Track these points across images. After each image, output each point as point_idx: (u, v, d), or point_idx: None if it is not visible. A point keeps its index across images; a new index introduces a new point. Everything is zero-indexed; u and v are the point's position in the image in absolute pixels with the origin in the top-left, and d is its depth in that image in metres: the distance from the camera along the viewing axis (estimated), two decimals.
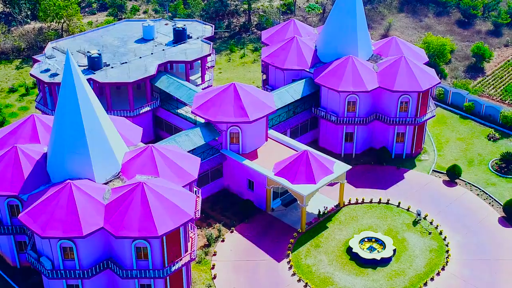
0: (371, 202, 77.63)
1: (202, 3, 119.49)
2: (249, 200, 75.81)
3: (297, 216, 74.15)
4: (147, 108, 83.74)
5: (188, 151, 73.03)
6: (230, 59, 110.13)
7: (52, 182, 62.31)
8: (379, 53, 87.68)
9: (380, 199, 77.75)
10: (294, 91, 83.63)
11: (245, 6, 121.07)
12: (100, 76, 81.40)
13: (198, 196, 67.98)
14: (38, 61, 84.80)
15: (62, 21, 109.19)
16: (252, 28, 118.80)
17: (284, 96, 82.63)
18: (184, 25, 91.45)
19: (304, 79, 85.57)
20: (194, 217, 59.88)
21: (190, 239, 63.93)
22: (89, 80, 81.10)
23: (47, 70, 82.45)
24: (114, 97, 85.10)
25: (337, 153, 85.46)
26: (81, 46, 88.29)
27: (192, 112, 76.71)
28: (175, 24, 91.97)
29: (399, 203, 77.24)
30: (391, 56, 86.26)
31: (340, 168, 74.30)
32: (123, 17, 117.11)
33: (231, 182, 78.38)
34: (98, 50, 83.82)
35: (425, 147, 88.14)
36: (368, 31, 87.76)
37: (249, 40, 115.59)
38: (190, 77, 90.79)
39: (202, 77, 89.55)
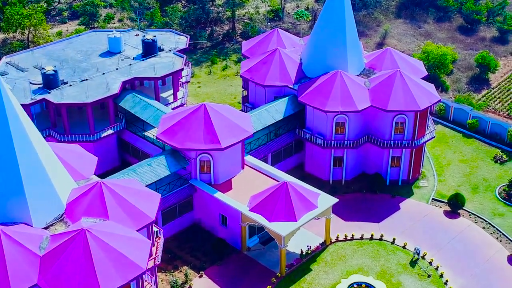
0: (361, 238, 68.10)
1: (182, 10, 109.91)
2: (222, 239, 66.37)
3: (277, 257, 64.50)
4: (110, 131, 74.36)
5: (152, 183, 63.84)
6: (210, 72, 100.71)
7: None
8: (371, 67, 78.19)
9: (372, 235, 68.20)
10: (275, 111, 74.19)
11: (229, 13, 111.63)
12: (55, 96, 72.08)
13: (159, 238, 58.80)
14: None
15: (27, 31, 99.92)
16: (237, 37, 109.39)
17: (264, 116, 73.20)
18: (155, 36, 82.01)
19: (287, 97, 76.15)
20: (146, 270, 50.41)
21: None
22: (42, 100, 71.91)
23: None
24: (75, 118, 75.83)
25: (324, 179, 75.98)
26: (38, 61, 78.98)
27: (156, 137, 67.35)
28: (144, 35, 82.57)
29: (394, 239, 67.72)
30: (386, 70, 76.76)
31: (326, 201, 64.81)
32: (95, 26, 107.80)
33: (203, 216, 68.94)
34: (54, 66, 74.54)
35: (424, 171, 78.59)
36: (359, 42, 78.34)
37: (232, 50, 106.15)
38: (162, 94, 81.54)
39: (174, 94, 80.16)
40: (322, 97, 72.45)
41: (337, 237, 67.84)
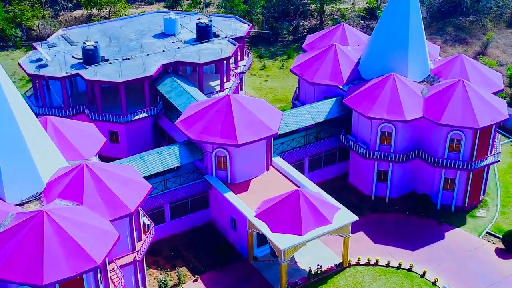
0: (387, 265, 59.70)
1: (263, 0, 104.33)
2: (230, 243, 60.81)
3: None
4: (143, 115, 70.83)
5: (158, 173, 59.61)
6: (283, 66, 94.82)
7: None
8: (437, 74, 68.93)
9: (400, 264, 59.61)
10: (317, 112, 67.27)
11: (317, 7, 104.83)
12: (89, 72, 69.63)
13: (147, 231, 54.41)
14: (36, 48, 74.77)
15: (107, 9, 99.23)
16: None
17: (302, 116, 66.56)
18: (210, 20, 77.69)
19: (334, 98, 68.90)
20: (99, 265, 45.90)
21: (113, 286, 50.17)
22: (76, 75, 69.82)
23: (38, 60, 72.01)
24: (114, 98, 73.01)
25: (366, 194, 68.01)
26: (90, 37, 77.16)
27: (175, 124, 62.92)
28: (199, 19, 78.49)
29: (425, 272, 58.73)
30: (452, 78, 67.24)
31: (344, 218, 57.21)
32: (179, 9, 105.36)
33: (217, 216, 63.63)
34: (96, 42, 72.13)
35: (486, 199, 68.27)
36: (425, 45, 69.15)
37: None
38: (212, 83, 77.00)
39: (221, 83, 75.25)
40: (368, 101, 64.59)
41: (358, 260, 59.93)
